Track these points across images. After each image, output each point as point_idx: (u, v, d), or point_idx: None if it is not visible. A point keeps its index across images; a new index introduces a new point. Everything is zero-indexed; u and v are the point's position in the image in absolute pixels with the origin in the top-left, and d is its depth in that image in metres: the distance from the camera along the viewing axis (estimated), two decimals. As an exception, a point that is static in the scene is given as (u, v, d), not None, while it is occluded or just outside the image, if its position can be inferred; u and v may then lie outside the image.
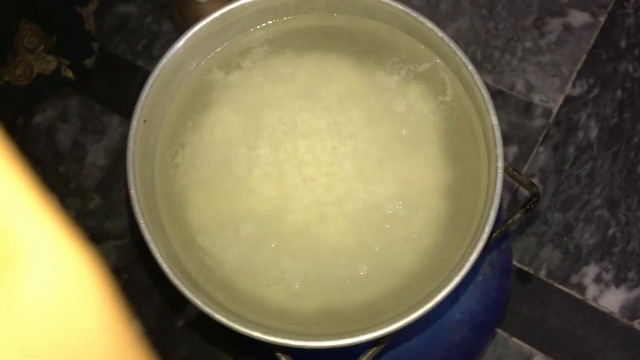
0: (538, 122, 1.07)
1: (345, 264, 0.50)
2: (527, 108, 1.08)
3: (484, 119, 0.50)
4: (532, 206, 0.59)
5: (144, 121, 0.51)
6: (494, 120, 0.50)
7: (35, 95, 1.11)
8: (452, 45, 0.52)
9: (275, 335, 0.45)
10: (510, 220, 0.58)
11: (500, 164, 0.49)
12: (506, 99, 1.08)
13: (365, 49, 0.57)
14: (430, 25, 0.52)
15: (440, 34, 0.52)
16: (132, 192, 0.49)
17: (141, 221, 0.48)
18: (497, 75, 1.10)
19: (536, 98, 1.08)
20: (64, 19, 1.05)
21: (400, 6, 0.53)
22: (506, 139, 1.06)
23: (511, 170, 0.60)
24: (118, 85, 1.16)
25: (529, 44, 1.11)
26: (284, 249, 0.51)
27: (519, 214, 0.59)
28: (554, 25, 1.12)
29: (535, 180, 1.04)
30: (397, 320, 0.44)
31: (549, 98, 1.08)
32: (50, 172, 1.14)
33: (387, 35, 0.56)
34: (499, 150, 0.49)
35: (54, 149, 1.16)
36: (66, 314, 0.21)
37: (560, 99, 1.08)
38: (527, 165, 1.05)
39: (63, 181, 1.14)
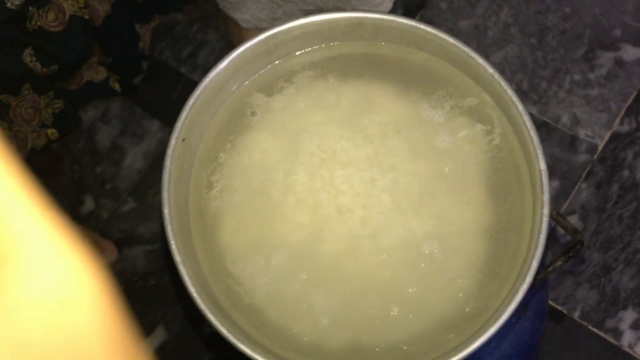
0: (582, 158, 1.04)
1: (376, 303, 0.48)
2: (572, 142, 1.05)
3: (532, 162, 0.48)
4: (575, 254, 0.57)
5: (183, 140, 0.51)
6: (543, 165, 0.48)
7: (81, 99, 1.12)
8: (503, 83, 0.50)
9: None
10: (551, 267, 0.56)
11: (546, 211, 0.47)
12: (550, 131, 1.06)
13: (411, 80, 0.55)
14: (480, 60, 0.51)
15: (491, 70, 0.50)
16: (165, 211, 0.48)
17: (172, 242, 0.47)
18: (542, 107, 1.07)
19: (582, 133, 1.05)
20: (121, 38, 1.07)
21: (450, 39, 0.51)
22: (549, 173, 1.03)
23: (555, 214, 0.58)
24: (160, 91, 1.16)
25: (577, 77, 1.08)
26: (315, 281, 0.49)
27: (560, 261, 0.56)
28: (605, 59, 1.08)
29: (575, 218, 1.01)
30: (426, 368, 0.43)
31: (595, 133, 1.05)
32: (87, 172, 1.16)
33: (435, 68, 0.54)
34: (546, 196, 0.47)
35: (93, 149, 1.17)
36: (64, 315, 0.21)
37: (607, 135, 1.05)
38: (568, 201, 1.02)
39: (99, 182, 1.15)
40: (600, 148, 1.04)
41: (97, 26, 1.00)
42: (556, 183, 1.03)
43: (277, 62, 0.56)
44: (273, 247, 0.51)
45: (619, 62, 1.08)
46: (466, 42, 1.11)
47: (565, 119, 1.06)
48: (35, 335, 0.20)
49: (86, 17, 0.96)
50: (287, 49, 0.55)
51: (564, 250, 0.57)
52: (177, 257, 0.47)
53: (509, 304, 0.44)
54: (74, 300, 0.21)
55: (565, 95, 1.07)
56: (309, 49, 0.56)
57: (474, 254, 0.49)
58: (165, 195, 0.48)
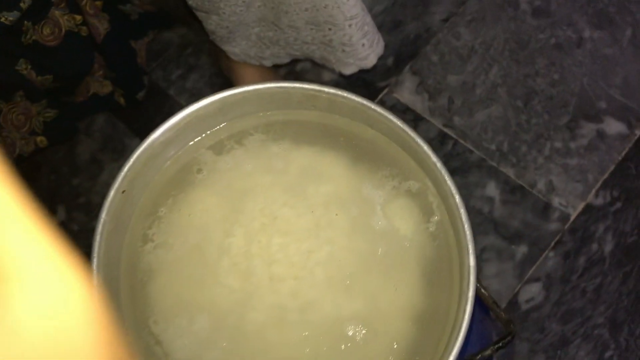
0: (553, 226, 1.04)
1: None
2: (545, 209, 1.05)
3: (463, 256, 0.49)
4: (505, 345, 0.57)
5: (123, 191, 0.51)
6: (472, 261, 0.48)
7: (87, 111, 1.14)
8: (444, 172, 0.50)
9: None
10: (480, 355, 0.56)
11: (469, 308, 0.47)
12: (525, 195, 1.06)
13: (359, 155, 0.56)
14: (425, 147, 0.51)
15: (434, 158, 0.51)
16: (94, 263, 0.48)
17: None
18: (520, 170, 1.07)
19: (556, 200, 1.05)
20: (120, 54, 1.09)
21: (398, 122, 0.51)
22: (518, 237, 1.03)
23: (491, 302, 0.58)
24: (145, 110, 1.17)
25: (558, 144, 1.08)
26: (234, 351, 0.49)
27: (489, 350, 0.56)
28: (588, 129, 1.08)
29: (539, 285, 1.01)
30: None
31: (569, 203, 1.05)
32: (63, 183, 1.16)
33: (383, 146, 0.55)
34: (471, 293, 0.47)
35: (72, 160, 1.18)
36: (58, 336, 0.21)
37: (580, 207, 1.04)
38: (533, 268, 1.02)
39: (74, 194, 1.15)
40: (572, 218, 1.04)
41: (99, 43, 1.01)
42: (524, 248, 1.02)
43: (231, 121, 0.57)
44: (198, 310, 0.51)
45: (601, 135, 1.08)
46: (452, 98, 1.12)
47: (541, 185, 1.06)
48: (29, 356, 0.20)
49: (83, 33, 0.97)
50: (242, 110, 0.56)
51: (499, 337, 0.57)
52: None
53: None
54: (69, 322, 0.21)
55: (544, 161, 1.07)
56: (264, 113, 0.56)
57: (395, 340, 0.49)
58: (95, 247, 0.49)
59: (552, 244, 1.03)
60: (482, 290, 0.55)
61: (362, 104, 0.52)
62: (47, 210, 0.21)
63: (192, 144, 0.56)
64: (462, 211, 0.49)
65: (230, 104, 0.55)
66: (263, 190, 0.55)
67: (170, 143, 0.54)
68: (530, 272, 1.01)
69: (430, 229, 0.52)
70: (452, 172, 0.96)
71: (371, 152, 0.55)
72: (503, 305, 0.99)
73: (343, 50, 0.76)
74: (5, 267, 0.20)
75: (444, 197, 0.51)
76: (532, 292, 1.00)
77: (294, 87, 0.53)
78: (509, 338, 0.56)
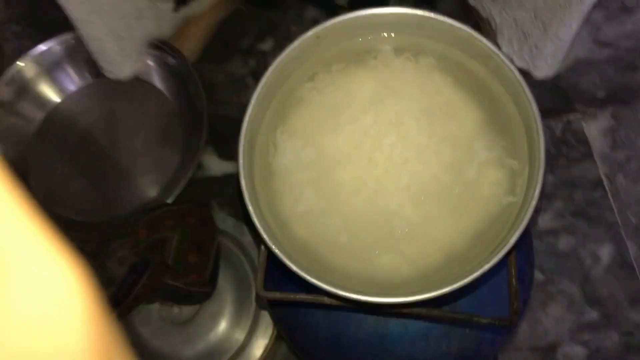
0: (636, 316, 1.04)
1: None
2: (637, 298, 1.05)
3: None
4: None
5: (317, 37, 0.66)
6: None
7: None
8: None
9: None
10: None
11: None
12: (630, 277, 1.07)
13: (491, 112, 0.67)
14: (542, 140, 0.60)
15: (542, 151, 0.60)
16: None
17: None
18: (641, 253, 1.08)
19: (654, 299, 1.05)
20: None
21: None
22: (598, 303, 1.05)
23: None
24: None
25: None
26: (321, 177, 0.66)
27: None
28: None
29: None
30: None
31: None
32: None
33: (510, 112, 0.66)
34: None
35: None
36: (53, 331, 0.20)
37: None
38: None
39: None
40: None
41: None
42: (594, 315, 1.05)
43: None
44: (313, 145, 0.67)
45: None
46: (631, 159, 1.11)
47: (651, 277, 1.06)
48: (23, 351, 0.20)
49: None
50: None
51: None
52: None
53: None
54: (64, 317, 0.21)
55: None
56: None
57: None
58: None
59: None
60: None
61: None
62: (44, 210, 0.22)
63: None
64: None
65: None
66: (401, 97, 0.67)
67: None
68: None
69: (507, 201, 0.62)
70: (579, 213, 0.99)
71: (501, 113, 0.65)
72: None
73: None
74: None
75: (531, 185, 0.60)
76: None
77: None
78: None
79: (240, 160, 0.61)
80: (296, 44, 0.65)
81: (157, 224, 0.93)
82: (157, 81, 1.13)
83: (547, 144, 0.60)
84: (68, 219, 1.05)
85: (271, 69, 0.64)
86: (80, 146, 1.12)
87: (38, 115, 1.13)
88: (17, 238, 0.20)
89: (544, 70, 0.86)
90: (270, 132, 0.67)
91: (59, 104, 1.14)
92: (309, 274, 0.57)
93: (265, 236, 0.59)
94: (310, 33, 0.65)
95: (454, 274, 0.58)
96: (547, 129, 1.17)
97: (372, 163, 0.65)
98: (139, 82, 1.10)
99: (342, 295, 0.56)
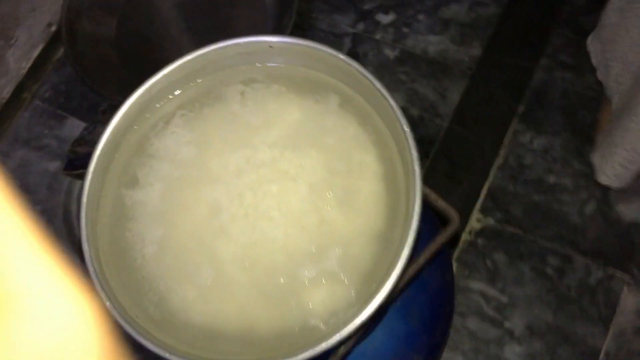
0: None
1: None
2: None
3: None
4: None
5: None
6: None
7: None
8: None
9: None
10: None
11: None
12: None
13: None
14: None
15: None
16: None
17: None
18: None
19: None
20: None
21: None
22: None
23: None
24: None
25: None
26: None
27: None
28: None
29: None
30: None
31: None
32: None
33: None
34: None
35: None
36: (62, 358, 0.21)
37: None
38: None
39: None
40: None
41: None
42: None
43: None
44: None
45: None
46: None
47: None
48: None
49: None
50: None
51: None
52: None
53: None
54: (74, 345, 0.21)
55: None
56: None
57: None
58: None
59: None
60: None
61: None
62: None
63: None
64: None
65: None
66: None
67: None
68: None
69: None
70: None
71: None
72: None
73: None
74: (10, 289, 0.20)
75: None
76: None
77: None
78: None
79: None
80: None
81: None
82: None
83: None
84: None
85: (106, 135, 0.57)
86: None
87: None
88: (27, 265, 0.21)
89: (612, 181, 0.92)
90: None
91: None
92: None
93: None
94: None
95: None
96: (585, 268, 1.02)
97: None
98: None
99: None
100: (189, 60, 0.59)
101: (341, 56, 0.57)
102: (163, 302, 0.55)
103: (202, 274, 0.55)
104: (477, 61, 1.20)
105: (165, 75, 0.58)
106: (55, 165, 1.19)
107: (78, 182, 1.12)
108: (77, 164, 1.08)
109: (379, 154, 0.58)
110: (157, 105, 0.61)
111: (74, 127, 1.21)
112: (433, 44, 1.23)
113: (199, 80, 0.61)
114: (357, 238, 0.55)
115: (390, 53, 1.22)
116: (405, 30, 1.24)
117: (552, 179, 1.09)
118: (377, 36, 1.24)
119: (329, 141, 0.59)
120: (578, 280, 1.01)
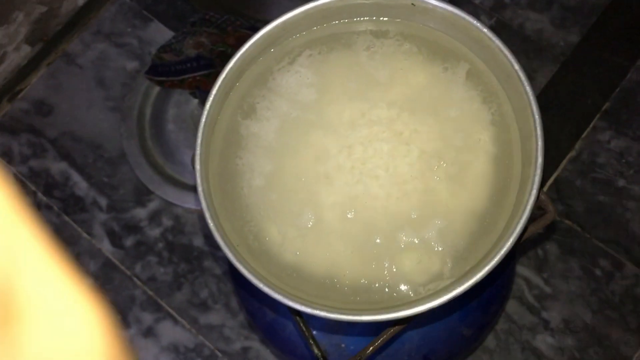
0: None
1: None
2: None
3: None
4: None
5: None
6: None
7: None
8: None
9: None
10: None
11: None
12: None
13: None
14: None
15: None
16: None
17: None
18: None
19: None
20: None
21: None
22: None
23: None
24: None
25: None
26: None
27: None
28: None
29: None
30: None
31: None
32: None
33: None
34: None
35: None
36: None
37: None
38: None
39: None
40: None
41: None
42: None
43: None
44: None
45: None
46: None
47: None
48: None
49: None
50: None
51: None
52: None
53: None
54: (82, 353, 0.21)
55: None
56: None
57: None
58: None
59: None
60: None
61: None
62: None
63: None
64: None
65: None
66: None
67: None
68: None
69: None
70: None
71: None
72: None
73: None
74: (19, 303, 0.20)
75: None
76: None
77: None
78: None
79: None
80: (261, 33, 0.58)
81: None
82: None
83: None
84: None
85: (239, 54, 0.58)
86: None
87: None
88: (42, 281, 0.21)
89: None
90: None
91: None
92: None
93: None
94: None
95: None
96: (634, 277, 1.02)
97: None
98: None
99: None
100: (327, 2, 0.58)
101: (485, 30, 0.56)
102: (262, 234, 0.56)
103: (303, 216, 0.56)
104: (573, 48, 1.17)
105: (303, 12, 0.58)
106: (133, 65, 1.20)
107: (156, 88, 1.13)
108: (160, 70, 1.09)
109: (496, 134, 0.57)
110: (286, 41, 0.61)
111: (158, 31, 1.21)
112: (531, 20, 1.19)
113: (334, 23, 0.61)
114: (460, 215, 0.56)
115: (485, 21, 1.19)
116: (506, 0, 1.20)
117: (621, 182, 1.08)
118: (477, 1, 1.21)
119: (449, 112, 0.58)
120: (624, 288, 1.02)
